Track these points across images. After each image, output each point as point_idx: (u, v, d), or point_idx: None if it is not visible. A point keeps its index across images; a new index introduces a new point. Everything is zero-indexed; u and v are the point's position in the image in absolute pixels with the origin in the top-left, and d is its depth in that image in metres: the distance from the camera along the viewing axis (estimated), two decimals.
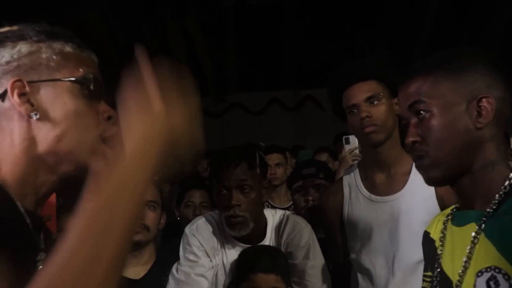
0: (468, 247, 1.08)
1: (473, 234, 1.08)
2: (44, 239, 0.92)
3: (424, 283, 1.24)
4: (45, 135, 0.89)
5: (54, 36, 0.93)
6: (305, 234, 1.97)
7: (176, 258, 1.98)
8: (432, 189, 1.89)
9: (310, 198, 2.61)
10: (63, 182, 0.94)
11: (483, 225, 1.08)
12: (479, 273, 1.05)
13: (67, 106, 0.90)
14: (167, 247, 2.30)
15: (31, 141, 0.89)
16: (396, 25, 7.37)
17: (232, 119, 8.47)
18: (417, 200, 1.89)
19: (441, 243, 1.19)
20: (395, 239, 1.88)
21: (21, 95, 0.88)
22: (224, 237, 1.96)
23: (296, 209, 2.77)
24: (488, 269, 1.04)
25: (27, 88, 0.89)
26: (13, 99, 0.88)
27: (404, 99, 1.19)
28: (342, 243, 2.06)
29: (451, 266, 1.13)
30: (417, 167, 1.18)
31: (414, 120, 1.16)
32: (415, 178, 1.92)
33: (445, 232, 1.20)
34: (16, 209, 0.86)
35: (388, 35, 7.61)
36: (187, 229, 1.99)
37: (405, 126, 1.20)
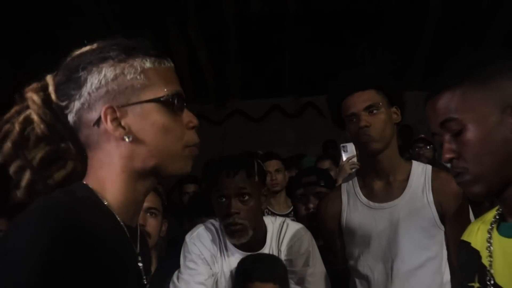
0: None
1: None
2: (140, 243, 1.06)
3: None
4: (139, 153, 0.98)
5: (133, 52, 1.00)
6: (305, 241, 1.99)
7: (178, 266, 1.99)
8: (430, 195, 1.91)
9: (311, 205, 2.61)
10: (156, 184, 1.05)
11: None
12: None
13: (155, 125, 0.98)
14: (169, 254, 2.30)
15: (127, 159, 0.98)
16: (396, 33, 7.40)
17: (233, 126, 8.48)
18: (415, 207, 1.91)
19: (488, 254, 1.12)
20: (394, 245, 1.90)
21: (113, 120, 0.96)
22: (224, 244, 1.97)
23: (297, 217, 2.78)
24: None
25: (118, 113, 0.96)
26: (107, 125, 0.96)
27: (434, 116, 1.12)
28: (340, 250, 2.07)
29: (508, 279, 1.07)
30: (458, 184, 1.12)
31: (447, 136, 1.10)
32: (413, 185, 1.95)
33: (492, 242, 1.12)
34: (119, 227, 0.98)
35: (388, 42, 7.64)
36: (187, 237, 2.00)
37: (439, 142, 1.15)
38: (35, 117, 0.99)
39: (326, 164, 4.20)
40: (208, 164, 2.99)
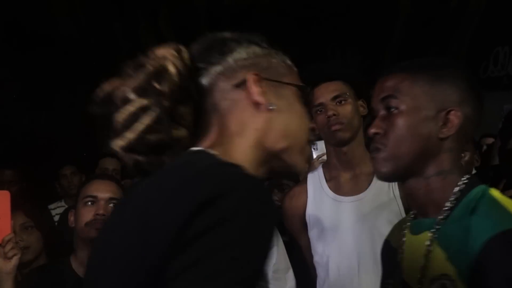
0: (424, 255, 1.11)
1: (427, 242, 1.11)
2: None
3: None
4: (274, 129, 0.93)
5: (274, 48, 1.03)
6: None
7: None
8: (396, 189, 1.90)
9: (276, 198, 2.60)
10: (268, 175, 0.99)
11: (436, 233, 1.11)
12: (433, 281, 1.08)
13: (294, 108, 0.97)
14: None
15: (262, 133, 0.93)
16: (366, 32, 7.48)
17: None
18: (381, 200, 1.90)
19: (401, 251, 1.21)
20: (360, 239, 1.88)
21: (258, 88, 0.95)
22: None
23: None
24: (440, 277, 1.07)
25: (264, 83, 0.94)
26: (253, 89, 0.93)
27: (379, 91, 1.20)
28: (306, 245, 2.04)
29: (411, 274, 1.15)
30: (372, 158, 1.19)
31: (382, 113, 1.18)
32: None
33: (404, 240, 1.22)
34: None
35: (359, 41, 7.71)
36: None
37: (373, 118, 1.21)
38: (171, 68, 0.91)
39: None
40: None
